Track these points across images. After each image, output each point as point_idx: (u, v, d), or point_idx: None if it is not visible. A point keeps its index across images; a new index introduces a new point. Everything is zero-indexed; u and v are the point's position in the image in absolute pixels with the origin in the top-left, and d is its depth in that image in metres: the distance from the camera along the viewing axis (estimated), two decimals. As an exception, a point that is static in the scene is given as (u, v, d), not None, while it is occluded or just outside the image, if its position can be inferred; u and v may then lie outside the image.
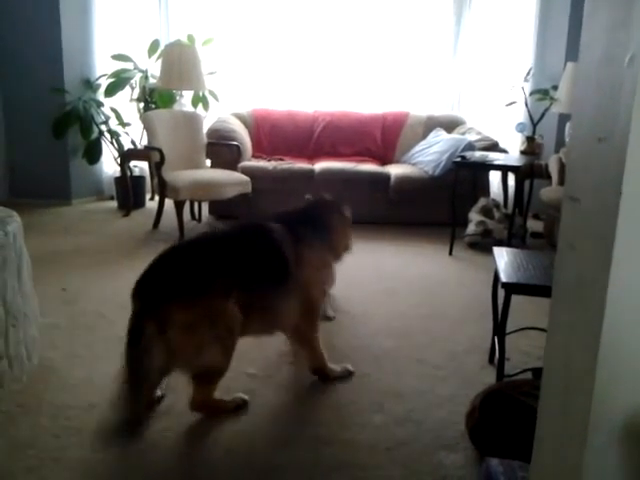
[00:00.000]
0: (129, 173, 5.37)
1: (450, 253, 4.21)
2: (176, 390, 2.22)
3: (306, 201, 2.54)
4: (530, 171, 4.68)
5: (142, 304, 1.90)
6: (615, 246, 0.80)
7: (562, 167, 4.48)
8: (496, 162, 4.21)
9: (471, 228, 4.46)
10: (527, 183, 4.84)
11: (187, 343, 1.89)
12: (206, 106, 5.68)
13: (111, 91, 5.40)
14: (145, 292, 1.92)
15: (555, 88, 4.88)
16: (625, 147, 0.77)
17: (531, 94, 5.04)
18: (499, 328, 2.23)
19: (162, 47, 5.30)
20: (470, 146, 4.76)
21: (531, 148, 4.86)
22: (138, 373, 1.82)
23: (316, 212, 2.42)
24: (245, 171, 4.83)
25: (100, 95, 5.53)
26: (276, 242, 2.15)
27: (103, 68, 5.55)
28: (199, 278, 1.94)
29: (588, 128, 0.93)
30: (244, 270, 2.05)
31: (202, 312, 1.90)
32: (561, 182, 4.38)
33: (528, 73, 5.05)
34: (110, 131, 5.56)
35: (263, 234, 2.17)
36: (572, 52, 5.10)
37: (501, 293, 2.17)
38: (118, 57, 5.44)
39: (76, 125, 5.33)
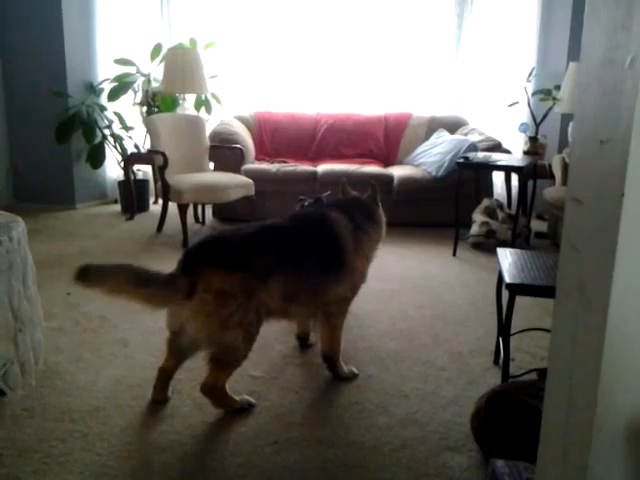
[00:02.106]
0: (132, 177, 5.38)
1: (454, 254, 4.21)
2: (181, 393, 2.23)
3: (345, 195, 2.64)
4: (533, 171, 4.67)
5: (182, 267, 2.00)
6: (618, 247, 0.80)
7: (565, 167, 4.48)
8: (499, 163, 4.21)
9: (475, 229, 4.46)
10: (530, 183, 4.83)
11: (217, 311, 1.94)
12: (209, 109, 5.70)
13: (114, 95, 5.42)
14: (188, 259, 2.02)
15: (558, 88, 4.88)
16: (627, 149, 0.77)
17: (534, 94, 5.04)
18: (503, 329, 2.23)
19: (164, 51, 5.31)
20: (473, 147, 4.76)
21: (534, 148, 4.86)
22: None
23: (365, 204, 2.52)
24: (248, 174, 4.84)
25: (103, 99, 5.56)
26: (336, 231, 2.27)
27: (106, 72, 5.57)
28: (241, 254, 2.02)
29: (590, 130, 0.93)
30: (296, 256, 2.14)
31: (236, 285, 1.96)
32: (565, 182, 4.38)
33: (530, 73, 5.05)
34: (113, 135, 5.58)
35: (324, 222, 2.29)
36: (574, 51, 5.09)
37: (505, 294, 2.17)
38: (121, 61, 5.46)
39: (79, 129, 5.35)
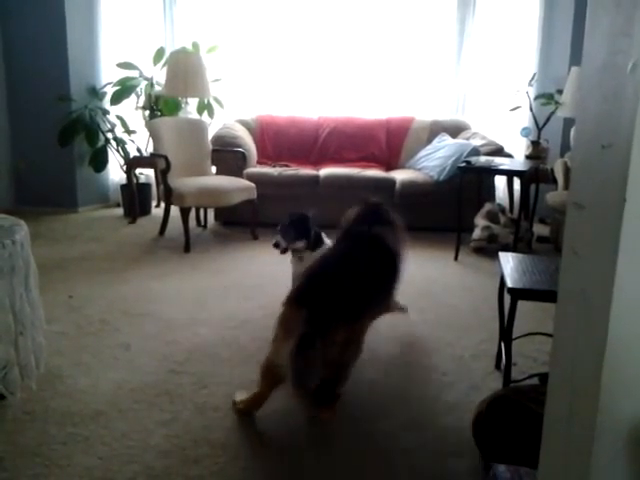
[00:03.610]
0: (135, 180, 5.39)
1: (456, 258, 4.20)
2: (183, 397, 2.22)
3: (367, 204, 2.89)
4: (535, 175, 4.67)
5: (312, 318, 1.96)
6: (619, 252, 0.80)
7: (568, 171, 4.47)
8: (501, 167, 4.21)
9: (477, 233, 4.46)
10: (533, 187, 4.83)
11: (341, 357, 2.06)
12: (211, 113, 5.71)
13: (117, 99, 5.44)
14: (313, 307, 2.01)
15: (560, 92, 4.88)
16: (629, 154, 0.77)
17: (536, 98, 5.04)
18: (505, 333, 2.23)
19: (167, 55, 5.33)
20: (475, 151, 4.76)
21: (536, 152, 4.85)
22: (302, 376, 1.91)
23: (388, 213, 2.80)
24: (250, 177, 4.84)
25: (106, 103, 5.57)
26: (393, 252, 2.53)
27: (109, 76, 5.59)
28: (357, 302, 2.14)
29: (591, 135, 0.93)
30: (378, 286, 2.38)
31: (357, 333, 2.15)
32: (567, 186, 4.38)
33: (532, 78, 5.06)
34: (116, 139, 5.59)
35: (384, 247, 2.50)
36: (576, 56, 5.09)
37: (507, 298, 2.17)
38: (124, 65, 5.48)
39: (82, 133, 5.36)
